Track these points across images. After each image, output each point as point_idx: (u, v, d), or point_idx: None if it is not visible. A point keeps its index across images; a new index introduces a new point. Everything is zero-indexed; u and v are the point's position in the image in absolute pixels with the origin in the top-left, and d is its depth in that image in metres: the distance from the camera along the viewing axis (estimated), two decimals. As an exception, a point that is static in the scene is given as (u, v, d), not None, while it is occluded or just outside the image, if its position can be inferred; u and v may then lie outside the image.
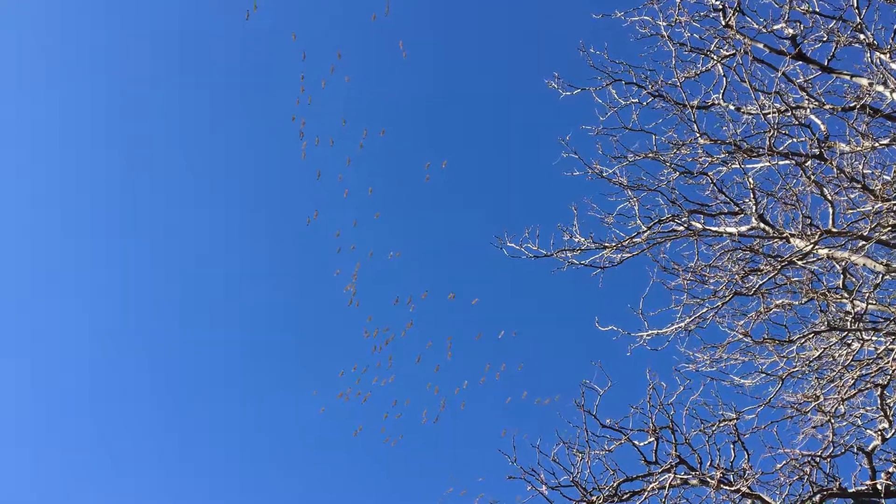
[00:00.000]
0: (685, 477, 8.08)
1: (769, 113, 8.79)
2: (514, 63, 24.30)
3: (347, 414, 19.39)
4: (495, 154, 24.81)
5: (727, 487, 7.51)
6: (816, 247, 8.52)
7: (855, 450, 7.95)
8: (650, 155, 10.07)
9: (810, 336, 9.49)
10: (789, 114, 8.89)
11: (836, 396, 8.97)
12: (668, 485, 7.77)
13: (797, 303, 10.15)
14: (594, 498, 8.08)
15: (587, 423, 8.43)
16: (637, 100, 10.37)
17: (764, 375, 9.95)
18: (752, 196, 9.33)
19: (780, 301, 10.27)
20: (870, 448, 7.95)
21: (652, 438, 8.52)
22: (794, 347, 9.72)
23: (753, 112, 9.56)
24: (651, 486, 7.89)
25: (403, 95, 24.22)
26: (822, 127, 9.15)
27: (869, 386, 8.96)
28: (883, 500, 7.34)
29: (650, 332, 9.87)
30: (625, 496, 8.29)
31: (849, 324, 8.97)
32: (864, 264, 8.73)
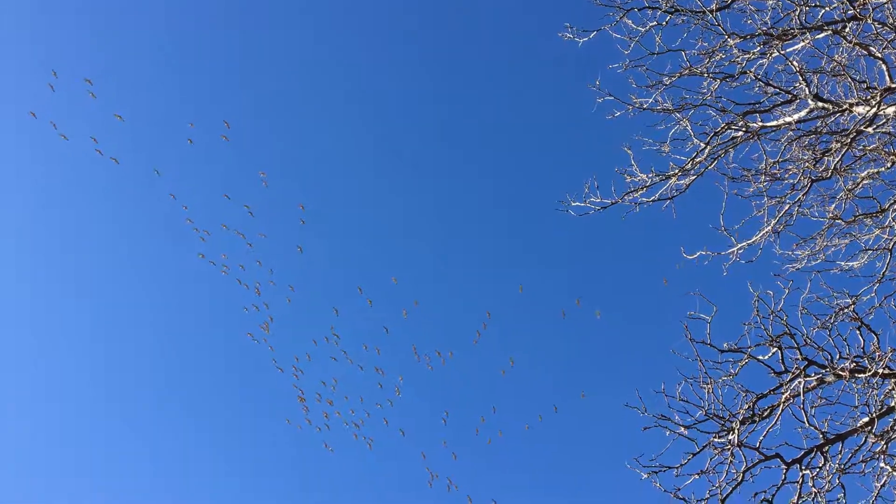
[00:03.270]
0: (818, 376, 7.85)
1: (790, -10, 8.47)
2: (520, 29, 23.91)
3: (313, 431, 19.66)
4: (528, 126, 24.45)
5: (862, 375, 7.27)
6: (881, 108, 8.16)
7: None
8: (685, 72, 9.80)
9: (903, 198, 9.10)
10: (812, -16, 8.55)
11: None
12: (802, 390, 7.56)
13: (883, 169, 9.73)
14: (733, 425, 7.92)
15: (703, 354, 8.27)
16: (655, 22, 10.10)
17: (870, 252, 9.58)
18: (800, 79, 8.99)
19: (865, 173, 9.86)
20: None
21: (774, 349, 8.29)
22: (892, 215, 9.32)
23: (775, -6, 9.20)
24: (785, 395, 7.70)
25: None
26: (851, -15, 8.74)
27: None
28: None
29: (740, 245, 9.64)
30: (764, 413, 8.10)
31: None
32: (936, 109, 8.31)
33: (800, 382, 7.67)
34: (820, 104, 8.88)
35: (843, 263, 9.82)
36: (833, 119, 9.21)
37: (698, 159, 9.90)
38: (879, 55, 8.14)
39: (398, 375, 18.59)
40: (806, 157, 9.52)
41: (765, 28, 9.08)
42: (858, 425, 7.63)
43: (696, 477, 7.83)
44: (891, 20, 8.46)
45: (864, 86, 8.25)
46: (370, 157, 24.33)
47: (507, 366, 18.89)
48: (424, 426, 19.91)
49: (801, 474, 7.60)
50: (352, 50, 23.91)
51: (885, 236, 9.48)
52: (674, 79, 9.86)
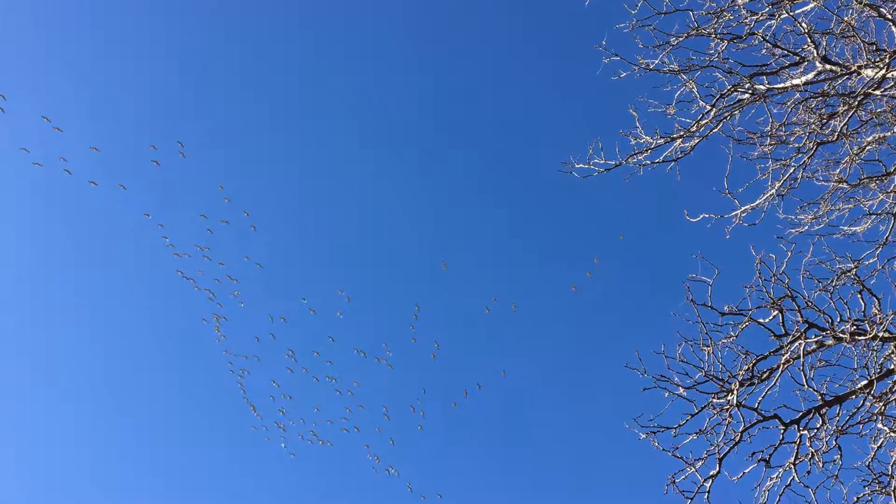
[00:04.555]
0: (818, 339, 7.87)
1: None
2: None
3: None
4: (528, 91, 24.24)
5: (862, 338, 7.29)
6: (890, 70, 8.07)
7: None
8: (692, 33, 9.68)
9: (908, 162, 9.04)
10: (823, -56, 8.41)
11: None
12: (801, 352, 7.59)
13: (889, 133, 9.65)
14: (732, 386, 7.97)
15: (705, 316, 8.29)
16: (663, -19, 9.95)
17: (874, 216, 9.55)
18: (809, 40, 8.89)
19: (871, 137, 9.79)
20: None
21: (775, 312, 8.30)
22: (896, 179, 9.29)
23: (786, -46, 9.05)
24: (785, 357, 7.73)
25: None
26: (863, -55, 8.59)
27: None
28: None
29: (744, 208, 9.60)
30: (763, 375, 8.14)
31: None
32: (946, 73, 8.21)
33: (800, 345, 7.69)
34: (828, 66, 8.79)
35: (846, 228, 9.81)
36: (840, 82, 9.12)
37: (704, 121, 9.81)
38: (890, 17, 8.04)
39: (353, 381, 19.31)
40: (812, 120, 9.44)
41: (774, -12, 8.96)
42: (857, 387, 7.67)
43: (695, 437, 7.91)
44: (902, -19, 8.35)
45: (874, 48, 8.15)
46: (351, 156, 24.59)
47: (437, 352, 19.50)
48: (368, 417, 20.50)
49: (798, 435, 7.67)
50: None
51: (890, 201, 9.45)
52: (681, 39, 9.74)
